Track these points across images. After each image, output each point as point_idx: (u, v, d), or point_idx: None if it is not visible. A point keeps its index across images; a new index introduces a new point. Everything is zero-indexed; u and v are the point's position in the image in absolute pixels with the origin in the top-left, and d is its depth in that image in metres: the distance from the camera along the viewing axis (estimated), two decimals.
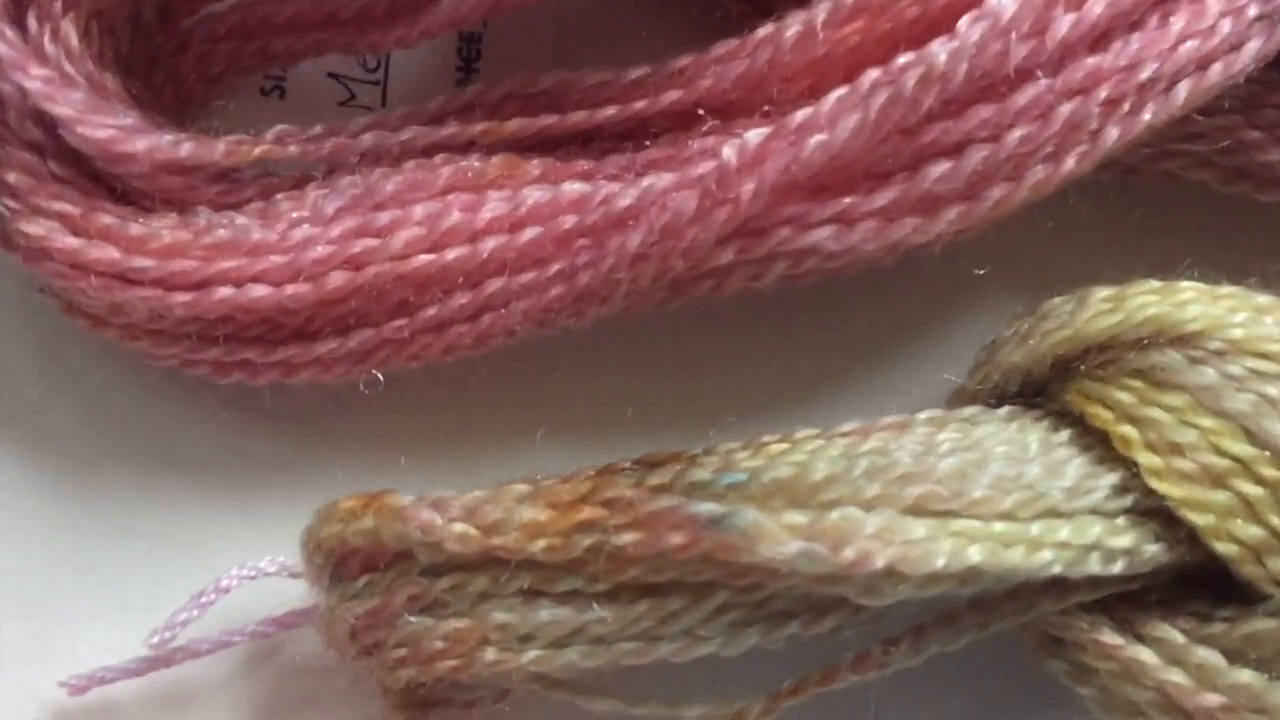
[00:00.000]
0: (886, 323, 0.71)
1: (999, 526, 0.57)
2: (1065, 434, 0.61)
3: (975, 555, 0.56)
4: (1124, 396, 0.60)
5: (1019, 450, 0.59)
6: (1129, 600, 0.61)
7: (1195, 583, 0.61)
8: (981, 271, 0.65)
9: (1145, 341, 0.61)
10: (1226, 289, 0.62)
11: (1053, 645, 0.63)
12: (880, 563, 0.55)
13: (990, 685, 0.69)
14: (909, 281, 0.69)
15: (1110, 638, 0.61)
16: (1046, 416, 0.62)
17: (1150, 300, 0.61)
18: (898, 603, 0.59)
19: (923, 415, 0.61)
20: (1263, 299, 0.61)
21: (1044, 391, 0.63)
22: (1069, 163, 0.59)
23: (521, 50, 0.71)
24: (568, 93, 0.66)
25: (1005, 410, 0.62)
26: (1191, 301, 0.61)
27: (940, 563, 0.55)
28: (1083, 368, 0.62)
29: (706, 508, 0.56)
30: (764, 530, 0.55)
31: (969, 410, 0.62)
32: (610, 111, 0.64)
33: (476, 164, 0.64)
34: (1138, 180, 0.68)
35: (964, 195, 0.60)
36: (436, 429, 0.69)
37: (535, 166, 0.63)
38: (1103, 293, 0.62)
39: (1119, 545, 0.58)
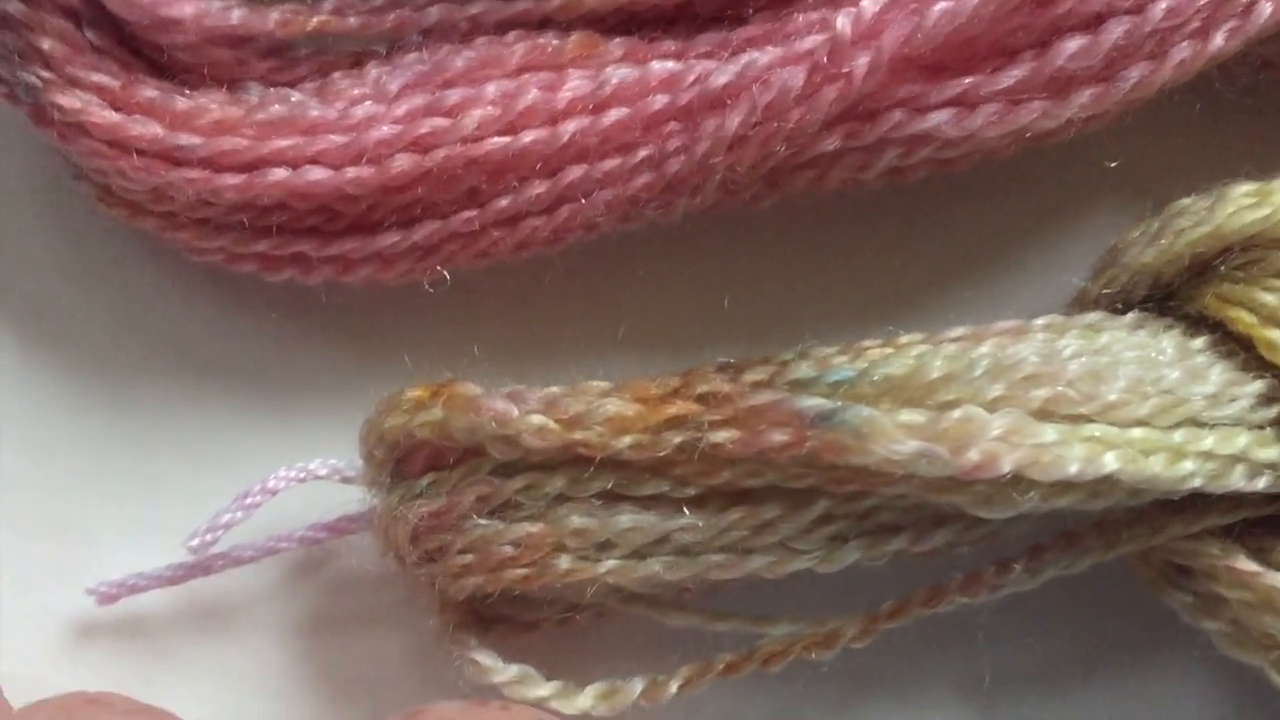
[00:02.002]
0: (996, 227, 0.69)
1: (1137, 433, 0.55)
2: (1201, 340, 0.59)
3: (1112, 462, 0.54)
4: (1270, 298, 0.59)
5: (1153, 355, 0.57)
6: (1263, 525, 0.59)
7: None
8: (1113, 164, 0.62)
9: None
10: None
11: (1177, 576, 0.61)
12: (1008, 466, 0.53)
13: (1095, 625, 0.67)
14: (1020, 182, 0.68)
15: (1246, 564, 0.59)
16: (1179, 322, 0.60)
17: None
18: (1018, 524, 0.56)
19: (1040, 321, 0.60)
20: None
21: (1176, 295, 0.61)
22: (1218, 39, 0.57)
23: None
24: None
25: (1132, 316, 0.60)
26: None
27: (1074, 469, 0.53)
28: (1222, 268, 0.60)
29: (814, 403, 0.54)
30: (879, 428, 0.53)
31: (1092, 316, 0.60)
32: None
33: (554, 41, 0.61)
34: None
35: (1100, 75, 0.58)
36: (505, 338, 0.67)
37: (618, 46, 0.62)
38: (1245, 187, 0.60)
39: (1266, 459, 0.57)
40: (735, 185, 0.60)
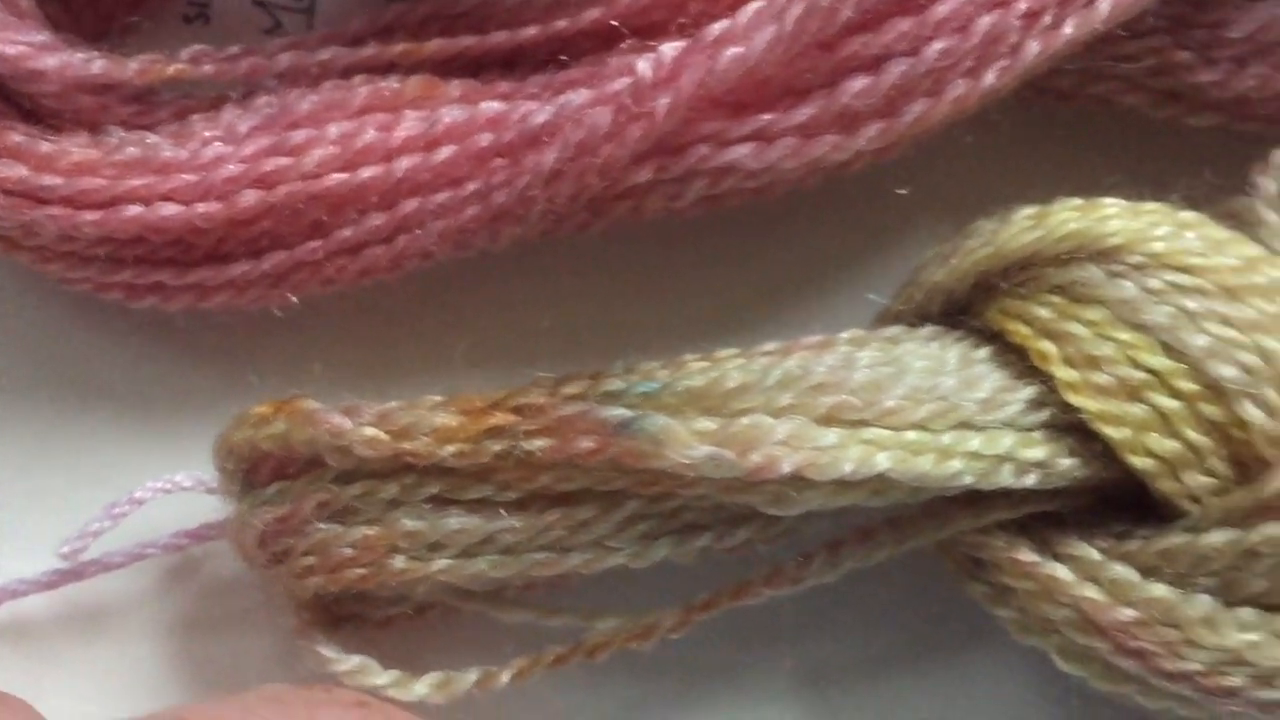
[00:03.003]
0: (816, 249, 0.75)
1: (910, 435, 0.62)
2: (985, 351, 0.66)
3: (883, 462, 0.61)
4: (1043, 312, 0.65)
5: (936, 365, 0.65)
6: (1048, 520, 0.66)
7: (1117, 503, 0.66)
8: (903, 191, 0.70)
9: (1065, 257, 0.65)
10: (1149, 205, 0.66)
11: (972, 567, 0.67)
12: (787, 468, 0.61)
13: (916, 619, 0.73)
14: (839, 207, 0.74)
15: (1027, 555, 0.65)
16: (969, 335, 0.66)
17: (1071, 216, 0.66)
18: (816, 522, 0.64)
19: (845, 334, 0.67)
20: (1186, 214, 0.66)
21: (967, 311, 0.68)
22: (989, 77, 0.65)
23: None
24: (489, 13, 0.71)
25: (928, 329, 0.67)
26: (1113, 217, 0.66)
27: (847, 468, 0.61)
28: (1004, 285, 0.66)
29: (616, 412, 0.62)
30: (672, 434, 0.61)
31: (892, 330, 0.67)
32: (531, 31, 0.69)
33: (395, 84, 0.69)
34: (1071, 106, 0.73)
35: (884, 111, 0.65)
36: (354, 356, 0.74)
37: (455, 87, 0.69)
38: (1026, 211, 0.67)
39: (1032, 458, 0.63)
40: (560, 215, 0.68)
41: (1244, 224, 0.67)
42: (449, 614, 0.69)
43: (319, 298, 0.71)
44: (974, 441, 0.63)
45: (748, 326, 0.75)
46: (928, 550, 0.67)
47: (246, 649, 0.74)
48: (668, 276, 0.76)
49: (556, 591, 0.69)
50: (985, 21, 0.64)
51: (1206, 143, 0.72)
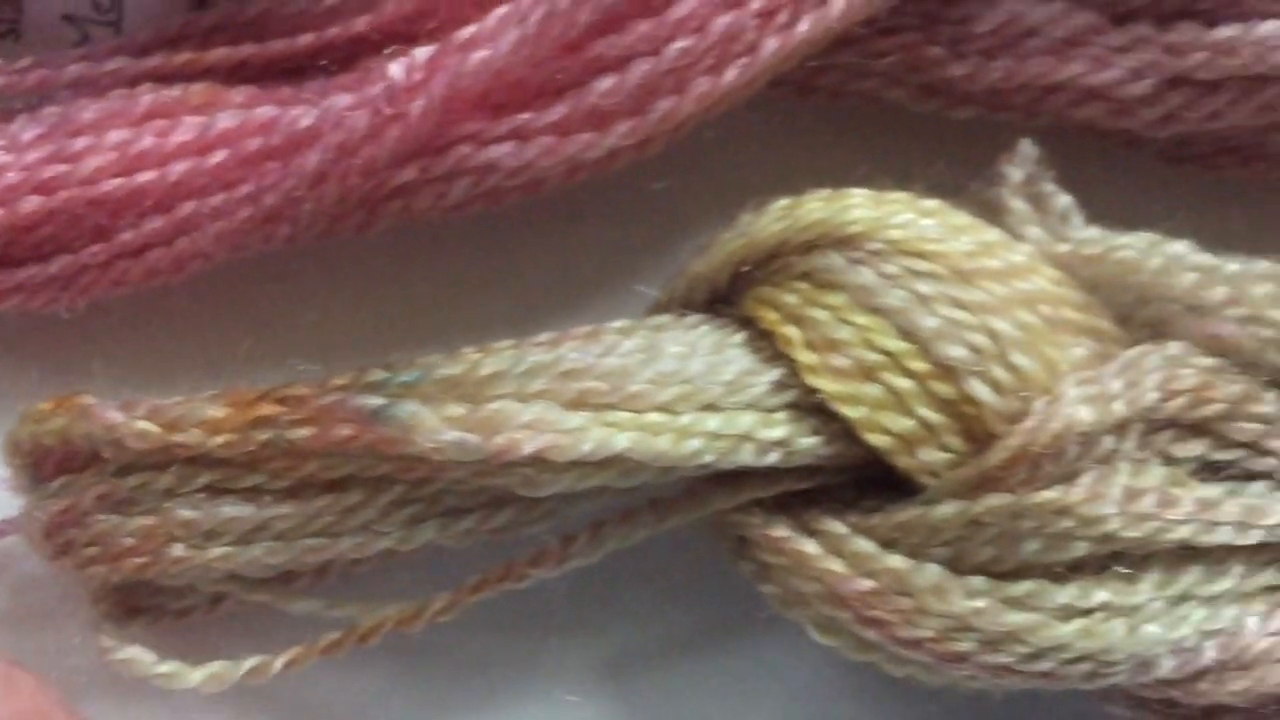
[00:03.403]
0: (610, 244, 0.80)
1: (652, 417, 0.66)
2: (740, 336, 0.70)
3: (622, 443, 0.65)
4: (790, 298, 0.69)
5: (689, 350, 0.68)
6: (805, 498, 0.70)
7: (872, 480, 0.69)
8: (659, 186, 0.74)
9: (810, 246, 0.69)
10: (894, 194, 0.70)
11: (740, 546, 0.71)
12: (529, 449, 0.65)
13: (716, 599, 0.77)
14: (638, 204, 0.79)
15: (781, 532, 0.69)
16: (730, 322, 0.70)
17: (817, 206, 0.70)
18: (573, 502, 0.69)
19: (614, 325, 0.70)
20: (929, 203, 0.70)
21: (728, 299, 0.71)
22: (730, 74, 0.69)
23: None
24: (271, 21, 0.75)
25: (693, 318, 0.71)
26: (855, 206, 0.69)
27: (586, 448, 0.65)
28: (757, 274, 0.70)
29: (370, 400, 0.66)
30: (420, 421, 0.65)
31: (658, 319, 0.71)
32: (308, 38, 0.74)
33: (177, 92, 0.73)
34: (840, 102, 0.77)
35: (632, 109, 0.69)
36: (142, 359, 0.78)
37: (238, 94, 0.73)
38: (781, 202, 0.70)
39: (772, 437, 0.67)
40: (334, 215, 0.72)
41: (993, 212, 0.70)
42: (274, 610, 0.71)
43: (115, 299, 0.74)
44: (713, 422, 0.66)
45: (539, 321, 0.77)
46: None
47: (62, 642, 0.76)
48: (461, 274, 0.80)
49: (367, 579, 0.72)
50: (722, 21, 0.67)
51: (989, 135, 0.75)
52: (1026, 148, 0.72)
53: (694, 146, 0.75)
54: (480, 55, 0.66)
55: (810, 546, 0.68)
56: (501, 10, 0.66)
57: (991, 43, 0.74)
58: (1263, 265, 0.68)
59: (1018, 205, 0.71)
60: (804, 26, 0.68)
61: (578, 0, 0.66)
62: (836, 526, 0.68)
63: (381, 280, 0.79)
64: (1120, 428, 0.65)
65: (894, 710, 0.77)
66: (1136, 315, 0.70)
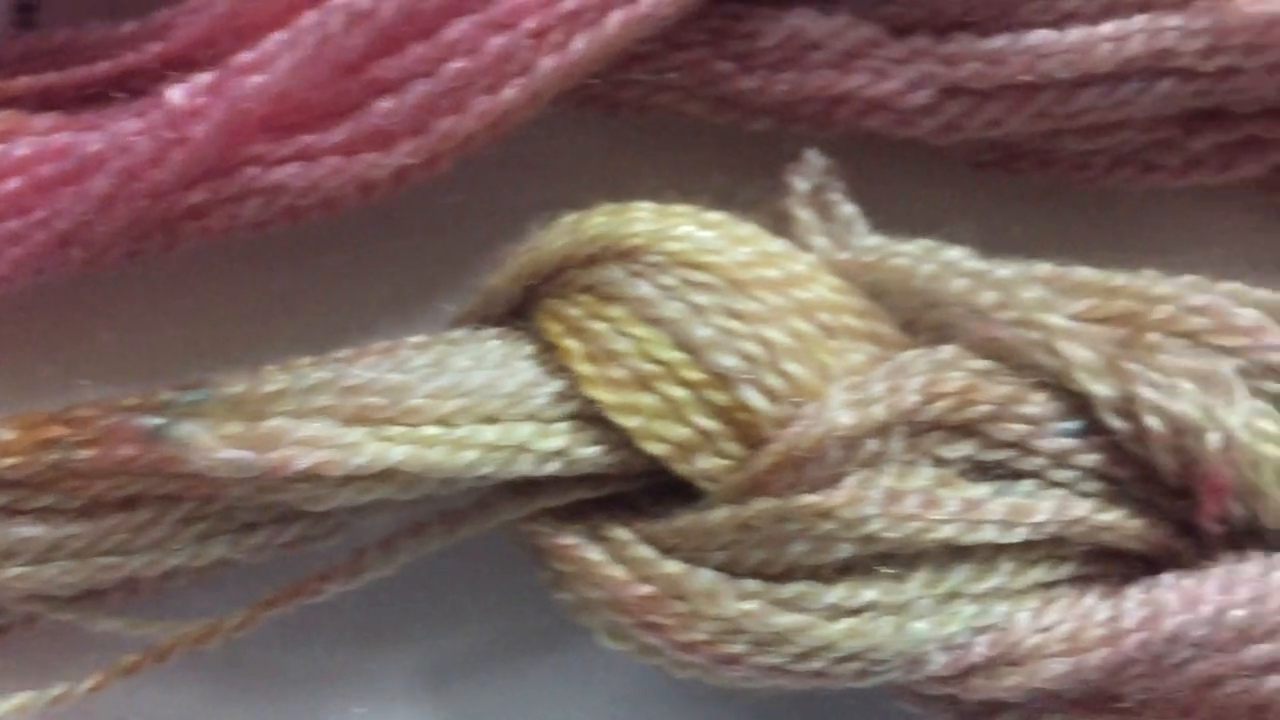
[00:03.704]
0: (409, 262, 0.82)
1: (428, 430, 0.68)
2: (529, 349, 0.72)
3: (396, 456, 0.67)
4: (573, 311, 0.71)
5: (475, 363, 0.70)
6: (600, 506, 0.72)
7: (671, 488, 0.71)
8: (452, 200, 0.76)
9: (594, 259, 0.71)
10: (678, 208, 0.72)
11: (537, 555, 0.73)
12: (301, 465, 0.67)
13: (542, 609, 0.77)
14: (433, 219, 0.81)
15: (567, 539, 0.71)
16: (522, 335, 0.72)
17: (601, 220, 0.71)
18: (364, 515, 0.71)
19: (411, 340, 0.72)
20: (712, 215, 0.72)
21: (522, 313, 0.73)
22: (509, 93, 0.71)
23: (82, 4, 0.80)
24: (76, 48, 0.77)
25: (488, 331, 0.73)
26: (638, 219, 0.71)
27: (359, 462, 0.67)
28: (546, 288, 0.72)
29: (151, 420, 0.68)
30: (197, 439, 0.67)
31: (456, 333, 0.73)
32: (105, 65, 0.75)
33: None
34: (645, 116, 0.79)
35: (414, 129, 0.71)
36: None
37: (41, 121, 0.75)
38: (570, 217, 0.72)
39: (550, 447, 0.69)
40: (134, 236, 0.74)
41: (783, 222, 0.72)
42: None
43: None
44: (490, 434, 0.68)
45: (348, 339, 0.78)
46: None
47: None
48: (269, 293, 0.82)
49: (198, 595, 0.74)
50: (495, 42, 0.69)
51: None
52: (813, 158, 0.74)
53: (496, 161, 0.77)
54: (258, 79, 0.68)
55: (595, 554, 0.70)
56: (278, 35, 0.67)
57: (777, 57, 0.76)
58: (1036, 269, 0.71)
59: (804, 215, 0.73)
60: (579, 45, 0.69)
61: (351, 24, 0.67)
62: (622, 534, 0.70)
63: (192, 300, 0.81)
64: (882, 430, 0.66)
65: (710, 714, 0.79)
66: (921, 320, 0.72)
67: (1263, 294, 0.71)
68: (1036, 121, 0.74)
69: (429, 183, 0.75)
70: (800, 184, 0.74)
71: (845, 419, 0.66)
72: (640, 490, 0.72)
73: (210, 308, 0.81)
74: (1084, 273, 0.72)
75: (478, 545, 0.74)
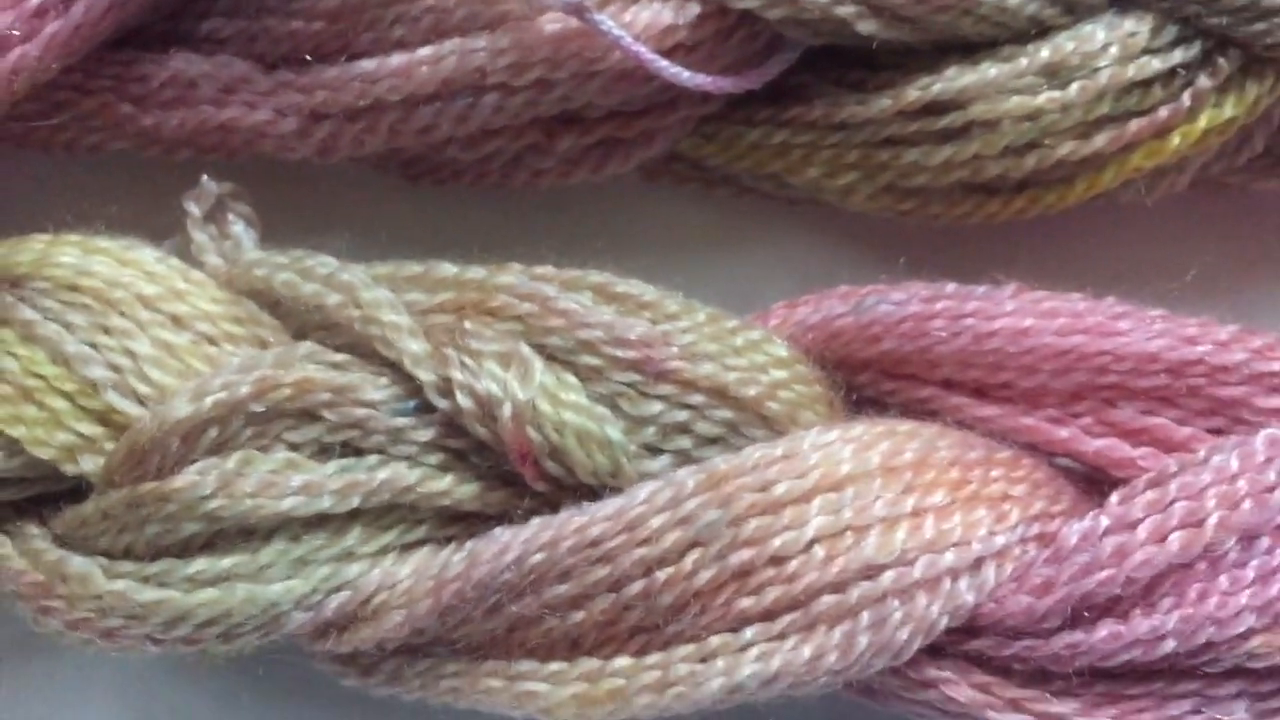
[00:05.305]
0: None
1: None
2: None
3: None
4: None
5: None
6: (18, 510, 0.82)
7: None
8: None
9: None
10: (69, 237, 0.83)
11: None
12: None
13: None
14: None
15: None
16: None
17: None
18: None
19: None
20: (100, 242, 0.83)
21: None
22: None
23: None
24: None
25: None
26: (27, 249, 0.82)
27: None
28: None
29: None
30: None
31: None
32: None
33: None
34: (74, 152, 0.90)
35: None
36: None
37: None
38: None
39: None
40: None
41: (187, 244, 0.84)
42: None
43: None
44: None
45: None
46: None
47: None
48: None
49: None
50: None
51: None
52: (207, 184, 0.85)
53: None
54: None
55: (5, 548, 0.80)
56: None
57: (167, 96, 0.87)
58: (405, 268, 0.84)
59: (198, 235, 0.85)
60: None
61: None
62: (31, 529, 0.81)
63: None
64: (220, 420, 0.78)
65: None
66: (309, 321, 0.82)
67: (596, 277, 0.83)
68: (400, 138, 0.86)
69: None
70: (193, 208, 0.85)
71: (180, 412, 0.77)
72: (66, 491, 0.81)
73: None
74: (445, 269, 0.83)
75: None
